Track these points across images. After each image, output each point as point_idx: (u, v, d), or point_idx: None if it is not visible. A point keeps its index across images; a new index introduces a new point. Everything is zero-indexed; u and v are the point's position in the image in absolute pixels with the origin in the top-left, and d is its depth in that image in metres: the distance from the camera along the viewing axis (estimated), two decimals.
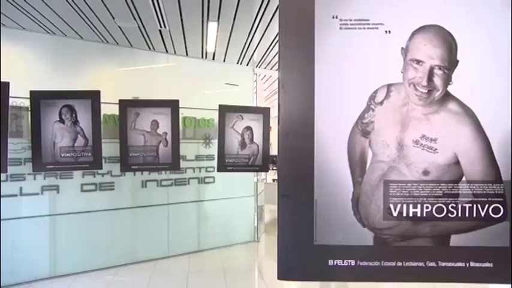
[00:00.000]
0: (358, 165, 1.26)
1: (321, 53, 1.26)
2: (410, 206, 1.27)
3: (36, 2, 3.81)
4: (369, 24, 1.27)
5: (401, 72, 1.26)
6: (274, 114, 5.28)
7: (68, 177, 4.84)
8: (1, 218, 4.29)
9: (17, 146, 4.50)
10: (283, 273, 1.31)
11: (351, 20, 1.26)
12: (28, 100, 4.15)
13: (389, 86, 1.27)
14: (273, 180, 8.59)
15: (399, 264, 1.27)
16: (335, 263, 1.27)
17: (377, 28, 1.26)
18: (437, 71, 1.24)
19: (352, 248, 1.27)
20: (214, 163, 4.98)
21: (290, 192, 1.27)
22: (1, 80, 3.53)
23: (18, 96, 4.21)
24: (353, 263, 1.27)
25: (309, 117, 1.25)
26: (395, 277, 1.28)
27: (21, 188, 4.57)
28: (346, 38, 1.26)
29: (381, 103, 1.26)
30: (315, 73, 1.26)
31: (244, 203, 6.37)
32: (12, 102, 3.87)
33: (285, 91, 1.26)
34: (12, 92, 3.64)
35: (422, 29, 1.26)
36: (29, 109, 4.21)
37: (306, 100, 1.26)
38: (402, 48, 1.26)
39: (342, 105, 1.26)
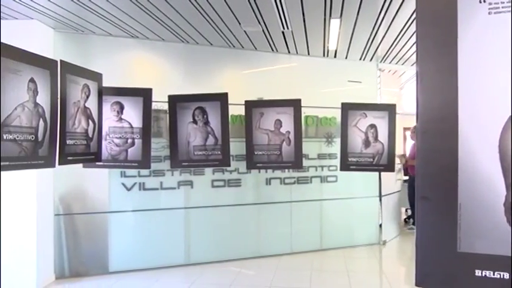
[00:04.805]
0: None
1: (465, 42, 1.14)
2: None
3: (174, 15, 4.20)
4: None
5: None
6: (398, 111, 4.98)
7: (200, 174, 5.26)
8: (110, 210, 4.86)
9: (158, 145, 5.02)
10: (421, 280, 1.22)
11: (503, 3, 1.11)
12: (166, 103, 4.59)
13: None
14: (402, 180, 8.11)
15: None
16: (483, 274, 1.14)
17: None
18: None
19: (504, 259, 1.13)
20: (337, 162, 4.91)
21: (430, 194, 1.18)
22: (144, 87, 3.99)
23: (158, 101, 4.67)
24: (507, 275, 1.12)
25: (452, 113, 1.15)
26: None
27: (161, 183, 5.11)
28: (497, 23, 1.12)
29: None
30: (458, 65, 1.15)
31: (368, 203, 6.16)
32: (153, 106, 4.31)
33: (423, 85, 1.18)
34: (153, 96, 4.08)
35: None
36: (167, 111, 4.65)
37: (448, 94, 1.15)
38: None
39: (491, 100, 1.12)
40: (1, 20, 4.17)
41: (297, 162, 4.68)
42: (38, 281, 4.28)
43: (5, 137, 2.49)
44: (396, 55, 5.99)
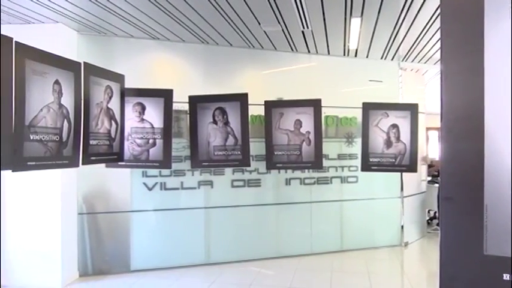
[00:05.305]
0: None
1: (492, 41, 1.11)
2: None
3: (193, 15, 4.24)
4: None
5: None
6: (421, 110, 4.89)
7: (220, 174, 5.28)
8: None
9: (179, 145, 5.07)
10: (446, 283, 1.20)
11: None
12: (186, 104, 4.62)
13: None
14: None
15: None
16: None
17: None
18: None
19: None
20: (357, 162, 4.86)
21: (454, 194, 1.15)
22: (165, 88, 4.02)
23: (179, 101, 4.71)
24: None
25: (478, 113, 1.12)
26: None
27: (182, 183, 5.15)
28: None
29: None
30: (485, 63, 1.12)
31: (389, 204, 6.07)
32: (174, 106, 4.34)
33: (448, 84, 1.15)
34: (173, 97, 4.12)
35: None
36: (188, 112, 4.68)
37: (473, 93, 1.12)
38: None
39: None
40: (28, 24, 4.28)
41: (317, 162, 4.65)
42: (62, 279, 4.38)
43: (31, 138, 2.55)
44: (418, 53, 5.88)
